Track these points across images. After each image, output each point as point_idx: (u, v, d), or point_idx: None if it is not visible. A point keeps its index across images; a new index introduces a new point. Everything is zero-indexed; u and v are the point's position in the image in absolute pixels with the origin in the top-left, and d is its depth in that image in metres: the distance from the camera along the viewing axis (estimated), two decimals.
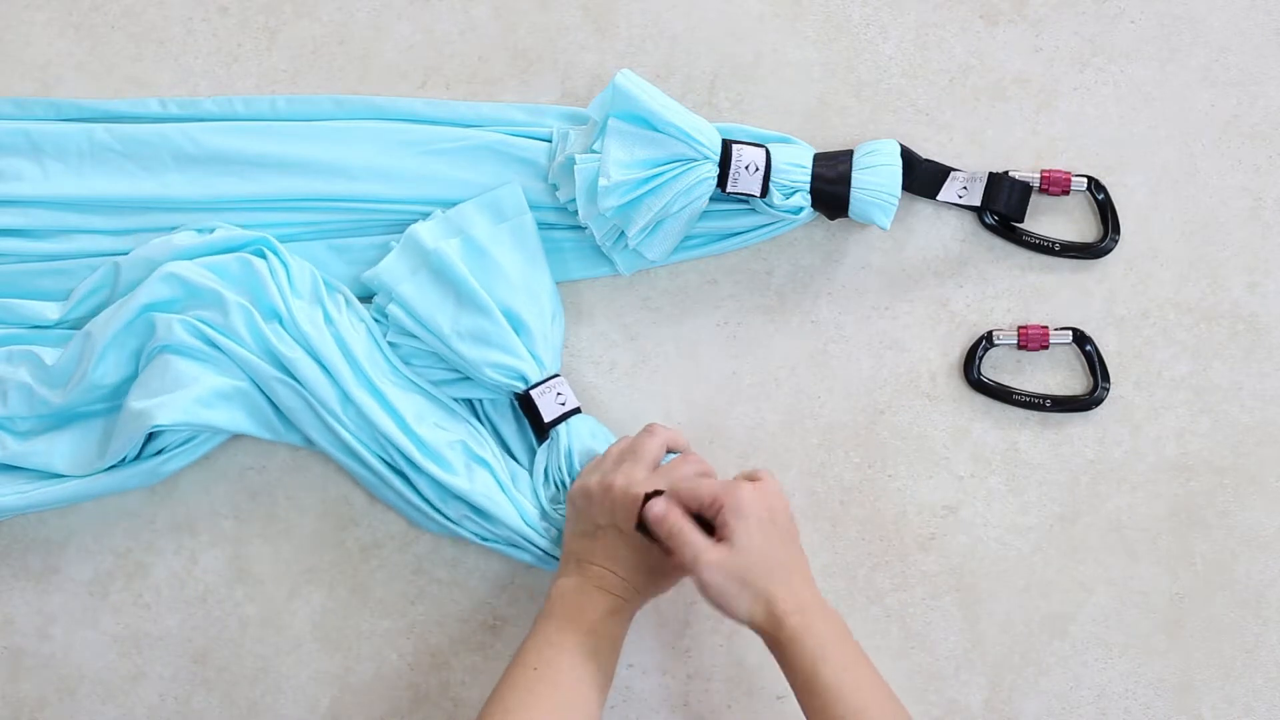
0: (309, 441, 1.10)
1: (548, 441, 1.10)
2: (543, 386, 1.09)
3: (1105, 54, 1.16)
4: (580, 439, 1.09)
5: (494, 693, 0.98)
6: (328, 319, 1.09)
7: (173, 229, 1.13)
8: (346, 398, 1.08)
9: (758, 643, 1.13)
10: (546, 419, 1.09)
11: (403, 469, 1.09)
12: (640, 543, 1.02)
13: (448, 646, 1.14)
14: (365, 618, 1.14)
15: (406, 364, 1.10)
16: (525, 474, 1.11)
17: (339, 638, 1.14)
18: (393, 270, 1.10)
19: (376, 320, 1.11)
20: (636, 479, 1.03)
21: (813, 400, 1.14)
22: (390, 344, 1.11)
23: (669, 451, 1.08)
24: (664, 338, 1.14)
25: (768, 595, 0.97)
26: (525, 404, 1.09)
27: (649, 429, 1.07)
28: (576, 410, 1.10)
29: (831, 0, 1.16)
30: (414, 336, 1.10)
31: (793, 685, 0.97)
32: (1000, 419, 1.14)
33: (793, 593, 0.98)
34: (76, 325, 1.12)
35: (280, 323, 1.09)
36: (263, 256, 1.10)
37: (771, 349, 1.15)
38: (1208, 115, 1.15)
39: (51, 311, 1.12)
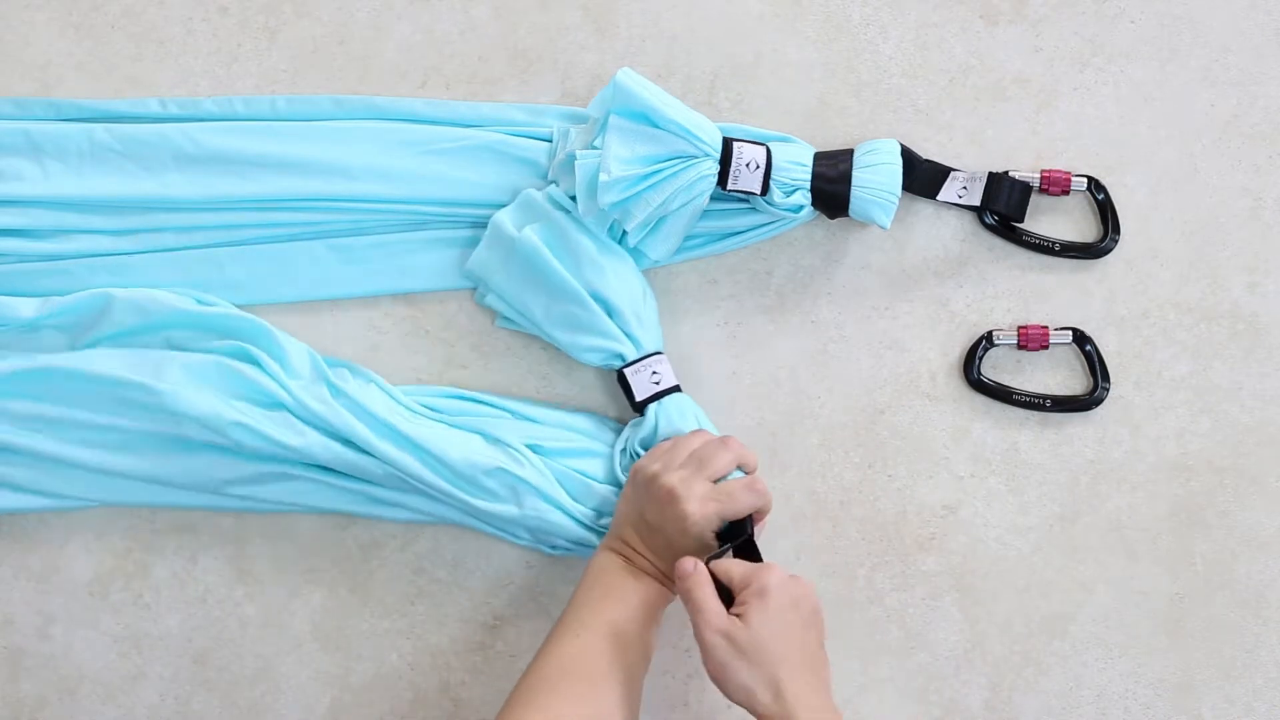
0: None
1: (637, 420, 1.10)
2: (637, 365, 1.09)
3: (1105, 54, 1.16)
4: (669, 419, 1.08)
5: (540, 653, 0.99)
6: (336, 392, 1.09)
7: (173, 229, 1.13)
8: (378, 459, 1.08)
9: None
10: (638, 398, 1.09)
11: (452, 505, 1.09)
12: (682, 545, 1.01)
13: (448, 646, 1.14)
14: (365, 618, 1.14)
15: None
16: (573, 474, 1.10)
17: (339, 638, 1.14)
18: (484, 262, 1.11)
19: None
20: (695, 493, 1.01)
21: (813, 400, 1.14)
22: (502, 325, 1.13)
23: (738, 467, 1.05)
24: (664, 337, 1.14)
25: (776, 681, 0.93)
26: (621, 382, 1.09)
27: (725, 441, 1.05)
28: (675, 389, 1.10)
29: (831, 0, 1.16)
30: (516, 322, 1.12)
31: None
32: (1000, 419, 1.14)
33: (805, 687, 0.94)
34: (60, 329, 1.12)
35: (288, 409, 1.08)
36: (251, 360, 1.09)
37: (771, 349, 1.15)
38: (1208, 115, 1.15)
39: (27, 309, 1.12)
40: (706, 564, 0.99)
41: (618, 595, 1.01)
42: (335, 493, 1.10)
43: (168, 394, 1.07)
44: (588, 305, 1.08)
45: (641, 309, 1.10)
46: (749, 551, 1.02)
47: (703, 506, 1.01)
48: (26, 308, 1.11)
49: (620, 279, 1.09)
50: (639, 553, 1.03)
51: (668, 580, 1.03)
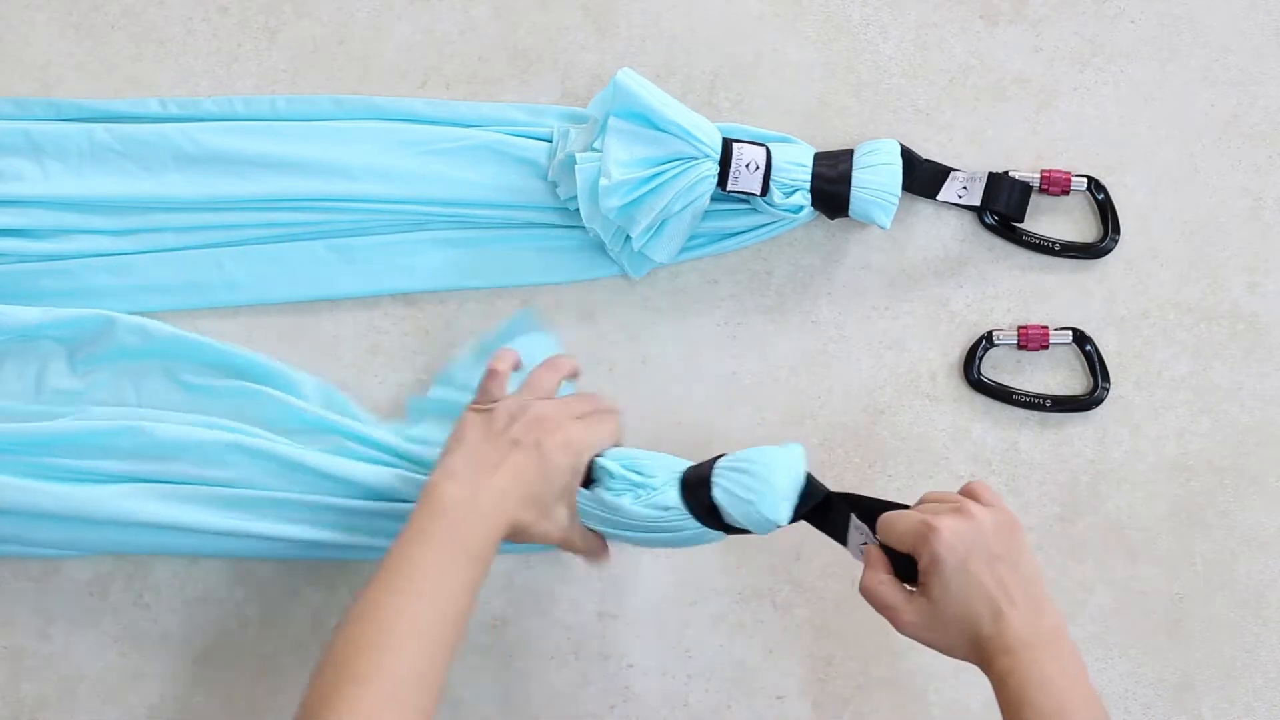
0: None
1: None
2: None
3: (1105, 54, 1.16)
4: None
5: (362, 605, 0.91)
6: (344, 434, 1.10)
7: (173, 229, 1.13)
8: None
9: (758, 643, 1.13)
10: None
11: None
12: (548, 478, 0.98)
13: None
14: None
15: None
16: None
17: None
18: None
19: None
20: (571, 412, 1.00)
21: (813, 400, 1.14)
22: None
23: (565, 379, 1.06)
24: (664, 338, 1.14)
25: (974, 638, 0.92)
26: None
27: (551, 362, 1.05)
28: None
29: (831, 0, 1.16)
30: None
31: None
32: (1000, 419, 1.14)
33: (1000, 629, 0.91)
34: (59, 341, 1.11)
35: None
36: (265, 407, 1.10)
37: (771, 349, 1.15)
38: (1208, 115, 1.15)
39: (29, 316, 1.11)
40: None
41: (469, 529, 0.95)
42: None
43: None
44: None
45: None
46: (833, 510, 0.99)
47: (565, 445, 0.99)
48: (29, 314, 1.11)
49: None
50: (493, 478, 0.97)
51: (517, 519, 0.97)
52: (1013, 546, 0.95)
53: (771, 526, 0.98)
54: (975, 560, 0.93)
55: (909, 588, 0.96)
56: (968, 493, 0.97)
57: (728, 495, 0.98)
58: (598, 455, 1.02)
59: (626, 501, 1.00)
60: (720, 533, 1.00)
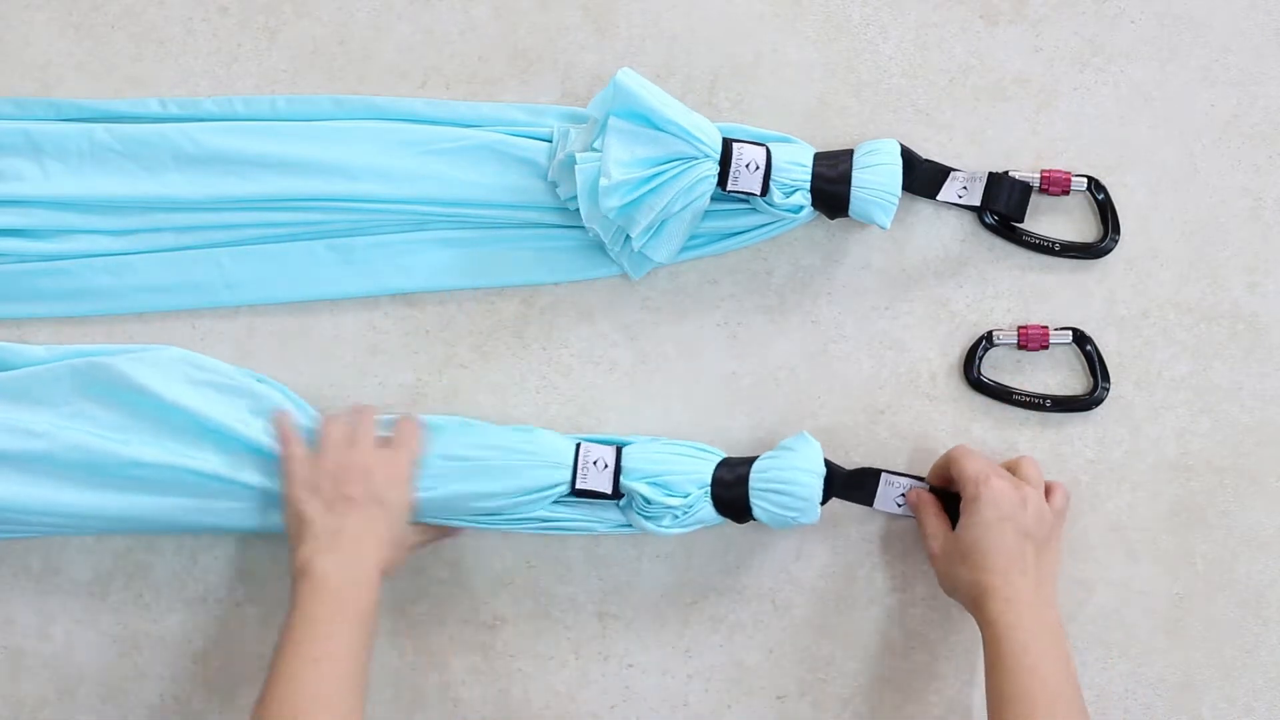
0: None
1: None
2: (579, 470, 1.08)
3: (1105, 54, 1.16)
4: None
5: (274, 685, 0.97)
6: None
7: (173, 229, 1.13)
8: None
9: (757, 642, 1.13)
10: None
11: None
12: (391, 516, 1.04)
13: (448, 646, 1.14)
14: None
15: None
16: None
17: None
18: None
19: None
20: (369, 449, 1.06)
21: (813, 400, 1.14)
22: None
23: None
24: (664, 338, 1.14)
25: (981, 583, 1.03)
26: (581, 495, 1.08)
27: (357, 409, 1.10)
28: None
29: (831, 0, 1.16)
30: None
31: (987, 673, 1.01)
32: (1000, 419, 1.14)
33: (1005, 584, 1.02)
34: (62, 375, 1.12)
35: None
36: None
37: (771, 349, 1.15)
38: (1208, 115, 1.15)
39: (37, 352, 1.13)
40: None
41: (351, 591, 1.01)
42: None
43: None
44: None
45: None
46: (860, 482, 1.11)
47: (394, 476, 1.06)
48: (36, 351, 1.12)
49: None
50: (347, 536, 1.03)
51: (384, 563, 1.04)
52: (1045, 534, 1.05)
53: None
54: (1010, 524, 1.04)
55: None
56: (1014, 465, 1.09)
57: (770, 515, 1.07)
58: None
59: (667, 523, 1.07)
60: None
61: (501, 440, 1.08)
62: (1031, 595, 1.02)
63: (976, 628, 1.13)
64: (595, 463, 1.07)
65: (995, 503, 1.04)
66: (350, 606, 1.00)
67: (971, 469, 1.06)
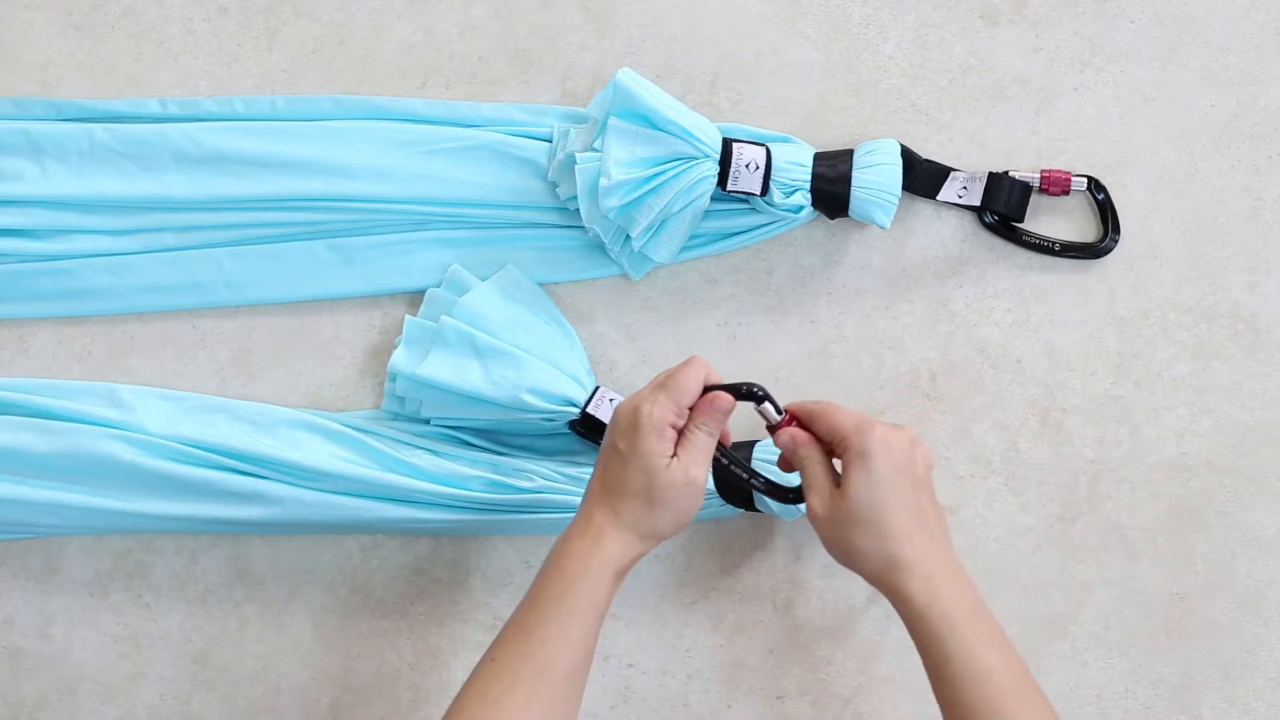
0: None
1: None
2: (594, 401, 1.08)
3: (1105, 54, 1.16)
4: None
5: (481, 676, 0.91)
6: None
7: (173, 229, 1.13)
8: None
9: (757, 643, 1.13)
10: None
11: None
12: (648, 466, 0.93)
13: (448, 646, 1.14)
14: (365, 618, 1.14)
15: (457, 443, 1.11)
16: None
17: (339, 638, 1.14)
18: (406, 359, 1.10)
19: (397, 415, 1.12)
20: (668, 413, 0.93)
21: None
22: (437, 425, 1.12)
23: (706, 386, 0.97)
24: (664, 338, 1.14)
25: (890, 555, 0.91)
26: (586, 423, 1.08)
27: (692, 361, 0.96)
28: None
29: (831, 0, 1.16)
30: (453, 419, 1.10)
31: (922, 657, 0.94)
32: (1000, 419, 1.14)
33: (918, 554, 0.91)
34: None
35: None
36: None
37: (771, 349, 1.15)
38: (1208, 115, 1.15)
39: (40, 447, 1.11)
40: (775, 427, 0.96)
41: (588, 578, 0.92)
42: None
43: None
44: (522, 360, 1.08)
45: (570, 353, 1.10)
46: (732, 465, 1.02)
47: (651, 401, 0.93)
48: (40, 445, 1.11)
49: (538, 335, 1.10)
50: (611, 500, 0.94)
51: (632, 533, 0.94)
52: (929, 480, 0.95)
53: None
54: (905, 476, 0.92)
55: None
56: (865, 421, 0.94)
57: (768, 506, 1.08)
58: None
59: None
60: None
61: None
62: (944, 559, 0.92)
63: None
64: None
65: (888, 453, 0.91)
66: (588, 603, 0.93)
67: (850, 419, 0.93)
